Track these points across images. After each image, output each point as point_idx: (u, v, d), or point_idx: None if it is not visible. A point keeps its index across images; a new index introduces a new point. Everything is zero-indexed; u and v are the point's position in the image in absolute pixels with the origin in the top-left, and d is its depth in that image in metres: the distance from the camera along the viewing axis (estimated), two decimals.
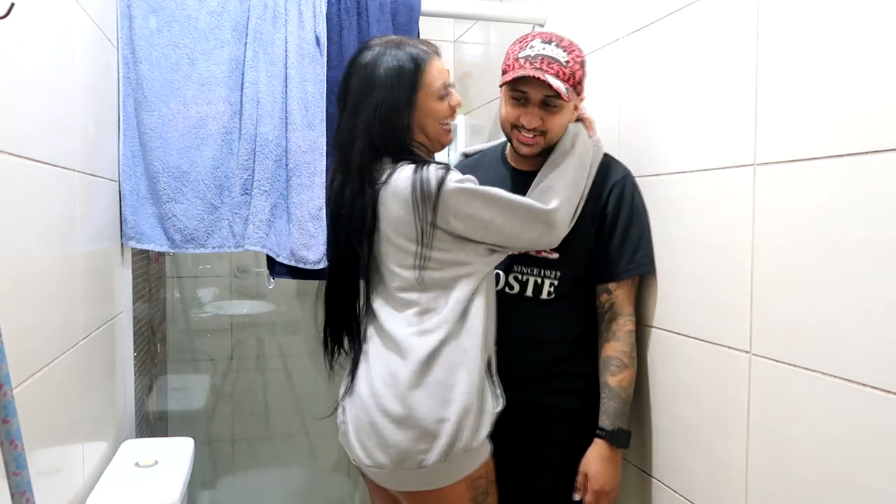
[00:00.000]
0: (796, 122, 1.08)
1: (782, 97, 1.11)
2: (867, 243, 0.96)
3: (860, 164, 0.97)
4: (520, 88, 1.37)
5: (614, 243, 1.45)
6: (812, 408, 1.06)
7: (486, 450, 1.32)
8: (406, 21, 1.83)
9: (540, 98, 1.36)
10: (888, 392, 0.94)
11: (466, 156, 1.72)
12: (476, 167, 1.59)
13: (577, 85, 1.38)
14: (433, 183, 1.25)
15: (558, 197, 1.34)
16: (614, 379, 1.43)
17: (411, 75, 1.32)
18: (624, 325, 1.45)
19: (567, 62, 1.35)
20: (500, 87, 1.40)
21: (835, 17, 1.02)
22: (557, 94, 1.33)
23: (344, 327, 1.42)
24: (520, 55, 1.37)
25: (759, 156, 1.16)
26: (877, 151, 0.95)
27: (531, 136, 1.39)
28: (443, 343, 1.27)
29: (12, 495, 0.81)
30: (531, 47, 1.37)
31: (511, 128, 1.42)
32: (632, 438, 1.45)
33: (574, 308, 1.50)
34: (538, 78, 1.32)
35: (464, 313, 1.30)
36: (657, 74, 1.46)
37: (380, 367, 1.30)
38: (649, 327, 1.50)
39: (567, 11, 1.86)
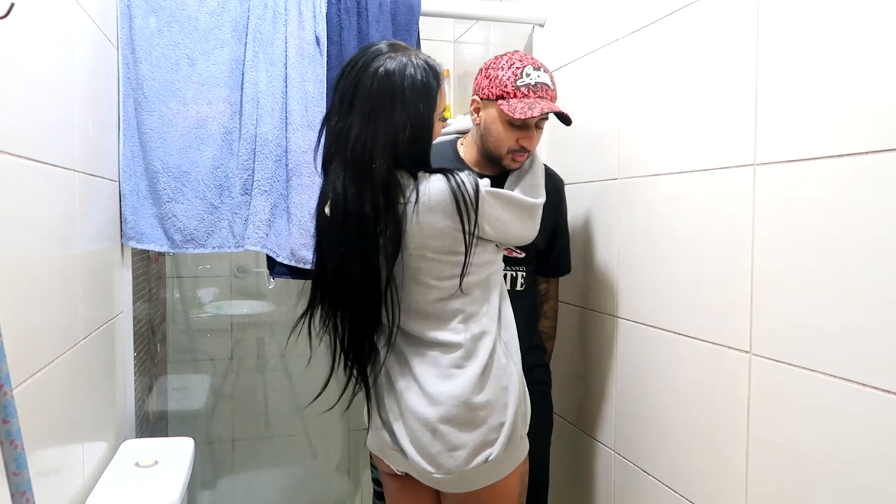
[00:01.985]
0: (796, 122, 1.09)
1: (782, 97, 1.12)
2: (867, 243, 0.96)
3: (860, 164, 0.98)
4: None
5: (564, 244, 1.72)
6: (812, 408, 1.06)
7: (527, 438, 1.38)
8: (406, 21, 1.82)
9: (534, 122, 1.49)
10: (888, 392, 0.94)
11: None
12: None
13: None
14: (471, 191, 1.25)
15: (542, 194, 1.45)
16: (549, 328, 1.76)
17: (434, 94, 1.29)
18: (553, 307, 1.78)
19: (552, 86, 1.50)
20: (517, 118, 1.42)
21: (834, 17, 1.02)
22: (546, 118, 1.49)
23: (369, 349, 1.34)
24: (519, 83, 1.47)
25: (759, 156, 1.16)
26: (877, 151, 0.95)
27: (525, 154, 1.52)
28: (494, 343, 1.30)
29: (12, 495, 0.81)
30: (527, 75, 1.48)
31: (507, 151, 1.51)
32: (632, 437, 1.46)
33: (534, 297, 1.71)
34: (558, 111, 1.46)
35: (499, 310, 1.35)
36: (657, 74, 1.46)
37: (432, 379, 1.29)
38: (649, 327, 1.50)
39: (567, 11, 1.86)
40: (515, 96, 1.45)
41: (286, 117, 1.71)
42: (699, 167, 1.32)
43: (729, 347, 1.24)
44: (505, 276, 1.58)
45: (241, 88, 1.70)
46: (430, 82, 1.28)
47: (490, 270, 1.34)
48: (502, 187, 1.48)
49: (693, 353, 1.35)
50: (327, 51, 1.76)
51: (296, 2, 1.72)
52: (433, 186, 1.24)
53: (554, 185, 1.65)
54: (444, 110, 1.34)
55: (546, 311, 1.76)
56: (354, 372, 1.35)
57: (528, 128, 1.48)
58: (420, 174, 1.27)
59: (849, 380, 1.00)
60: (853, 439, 0.99)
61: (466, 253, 1.26)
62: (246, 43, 1.70)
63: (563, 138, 1.88)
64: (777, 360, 1.13)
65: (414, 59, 1.28)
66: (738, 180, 1.21)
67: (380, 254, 1.25)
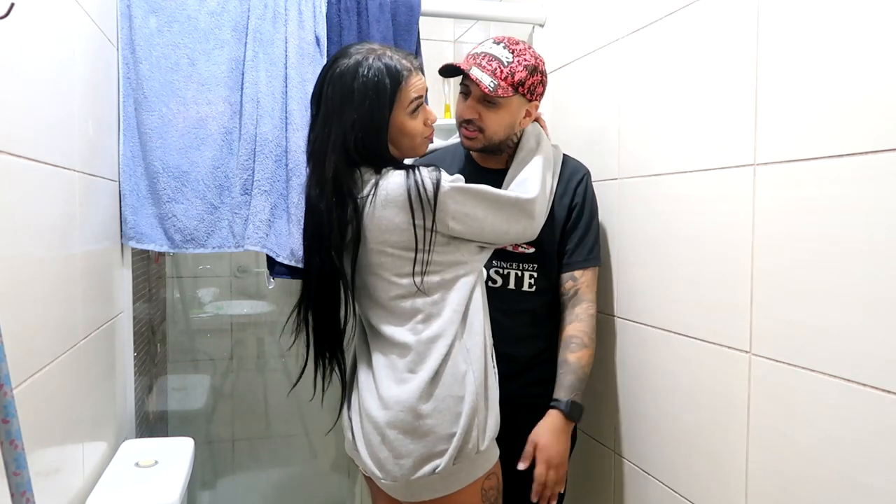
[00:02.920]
0: (796, 122, 1.09)
1: (782, 97, 1.12)
2: (867, 243, 0.96)
3: (860, 164, 0.98)
4: (464, 83, 1.46)
5: (581, 234, 1.56)
6: (812, 408, 1.06)
7: (495, 452, 1.34)
8: (406, 21, 1.82)
9: (479, 93, 1.44)
10: (888, 392, 0.94)
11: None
12: (438, 163, 1.59)
13: (518, 86, 1.43)
14: (430, 186, 1.24)
15: (536, 188, 1.40)
16: (573, 356, 1.48)
17: (388, 93, 1.28)
18: (587, 310, 1.53)
19: (509, 63, 1.42)
20: (439, 72, 1.46)
21: (835, 17, 1.02)
22: (500, 96, 1.40)
23: (337, 344, 1.39)
24: (471, 51, 1.47)
25: (759, 156, 1.16)
26: (877, 151, 0.95)
27: (470, 129, 1.47)
28: (450, 348, 1.27)
29: (12, 495, 0.81)
30: (482, 45, 1.47)
31: (458, 123, 1.50)
32: (632, 437, 1.46)
33: (551, 300, 1.58)
34: (461, 68, 1.41)
35: (464, 314, 1.30)
36: (657, 74, 1.46)
37: (387, 381, 1.28)
38: (649, 327, 1.50)
39: (567, 11, 1.86)
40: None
41: (286, 117, 1.71)
42: (699, 167, 1.32)
43: (729, 347, 1.24)
44: (508, 273, 1.56)
45: (241, 88, 1.70)
46: (381, 80, 1.27)
47: (460, 271, 1.31)
48: (503, 180, 1.48)
49: (693, 353, 1.35)
50: (327, 51, 1.75)
51: (296, 2, 1.72)
52: (392, 181, 1.25)
53: (569, 174, 1.57)
54: (414, 103, 1.32)
55: (578, 313, 1.52)
56: (324, 364, 1.39)
57: (468, 98, 1.46)
58: (384, 170, 1.28)
59: (849, 380, 1.00)
60: (853, 439, 0.99)
61: (418, 249, 1.25)
62: (246, 43, 1.70)
63: (563, 138, 1.87)
64: (777, 360, 1.13)
65: (371, 60, 1.28)
66: (738, 180, 1.21)
67: (334, 250, 1.28)
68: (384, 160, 1.30)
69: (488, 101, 1.44)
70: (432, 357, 1.26)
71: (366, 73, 1.27)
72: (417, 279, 1.27)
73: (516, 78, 1.43)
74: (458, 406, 1.26)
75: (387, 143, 1.31)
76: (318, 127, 1.31)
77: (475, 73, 1.41)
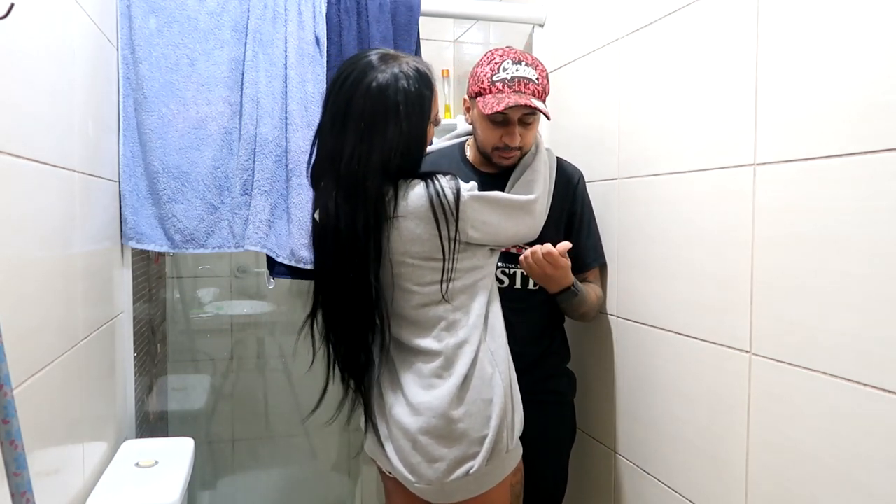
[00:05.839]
0: (796, 122, 1.09)
1: (782, 97, 1.12)
2: (867, 243, 0.96)
3: (860, 164, 0.98)
4: (505, 113, 1.43)
5: (585, 238, 1.62)
6: (812, 408, 1.06)
7: (520, 449, 1.36)
8: (406, 21, 1.82)
9: (518, 117, 1.44)
10: (888, 392, 0.94)
11: None
12: (435, 167, 1.59)
13: (545, 98, 1.47)
14: (451, 196, 1.24)
15: (538, 188, 1.41)
16: (597, 291, 1.61)
17: (428, 105, 1.28)
18: (597, 288, 1.64)
19: (538, 79, 1.44)
20: (488, 114, 1.41)
21: (834, 17, 1.02)
22: (533, 112, 1.41)
23: (364, 360, 1.34)
24: (495, 78, 1.44)
25: (759, 156, 1.16)
26: (877, 151, 0.95)
27: (511, 152, 1.47)
28: (476, 352, 1.28)
29: (12, 495, 0.81)
30: (504, 69, 1.44)
31: (492, 148, 1.49)
32: (632, 437, 1.46)
33: (552, 297, 1.58)
34: (528, 105, 1.39)
35: (486, 317, 1.32)
36: (657, 74, 1.46)
37: (414, 388, 1.28)
38: (649, 327, 1.50)
39: (567, 11, 1.86)
40: (491, 92, 1.43)
41: (286, 117, 1.71)
42: (699, 167, 1.32)
43: (729, 347, 1.24)
44: (514, 273, 1.57)
45: (241, 89, 1.70)
46: (422, 92, 1.26)
47: (478, 276, 1.32)
48: (504, 184, 1.48)
49: (693, 353, 1.35)
50: (327, 51, 1.76)
51: (296, 2, 1.72)
52: (412, 193, 1.24)
53: (565, 178, 1.61)
54: (437, 114, 1.33)
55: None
56: (351, 384, 1.35)
57: (508, 124, 1.44)
58: (401, 181, 1.26)
59: (849, 380, 1.00)
60: (853, 439, 0.99)
61: (446, 259, 1.25)
62: (246, 43, 1.70)
63: (563, 138, 1.88)
64: (777, 360, 1.13)
65: (405, 69, 1.25)
66: (738, 180, 1.21)
67: (370, 270, 1.25)
68: (412, 173, 1.27)
69: (526, 122, 1.46)
70: (461, 362, 1.26)
71: (406, 85, 1.24)
72: (443, 287, 1.26)
73: (546, 92, 1.47)
74: (487, 409, 1.27)
75: (422, 155, 1.30)
76: (350, 143, 1.23)
77: (536, 103, 1.40)
